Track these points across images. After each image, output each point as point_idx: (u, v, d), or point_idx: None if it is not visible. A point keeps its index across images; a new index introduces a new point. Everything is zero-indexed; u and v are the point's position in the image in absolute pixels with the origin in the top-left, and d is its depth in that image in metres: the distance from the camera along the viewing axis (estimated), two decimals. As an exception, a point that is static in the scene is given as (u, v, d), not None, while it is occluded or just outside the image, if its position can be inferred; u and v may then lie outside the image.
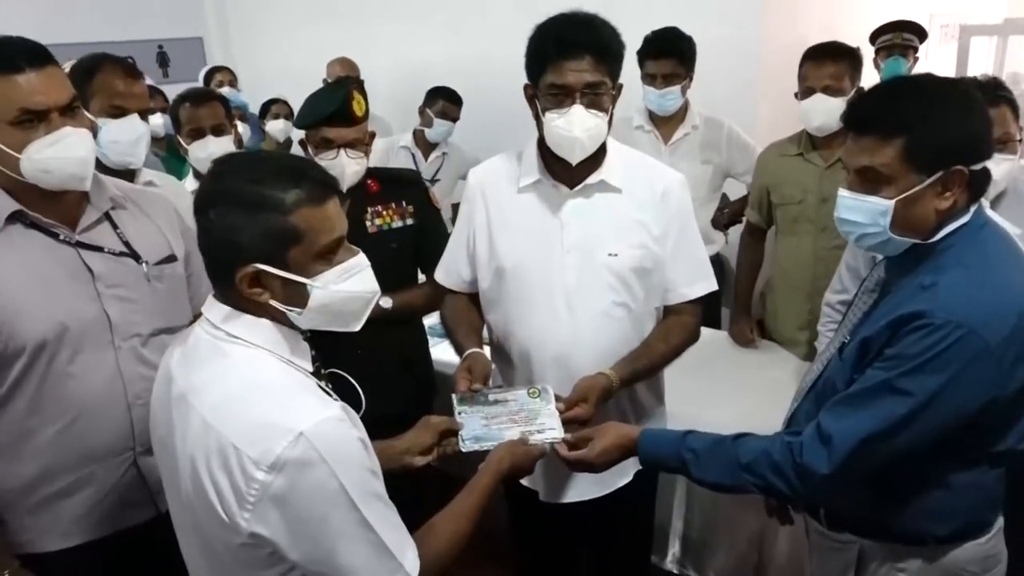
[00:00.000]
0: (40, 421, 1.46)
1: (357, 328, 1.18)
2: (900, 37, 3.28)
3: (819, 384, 1.41)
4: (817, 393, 1.40)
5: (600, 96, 1.56)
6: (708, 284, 1.75)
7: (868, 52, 3.29)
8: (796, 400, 1.47)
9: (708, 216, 2.96)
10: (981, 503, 1.34)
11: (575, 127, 1.55)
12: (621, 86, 1.63)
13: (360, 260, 1.14)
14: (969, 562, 1.35)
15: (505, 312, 1.72)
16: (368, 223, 2.03)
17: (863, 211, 1.25)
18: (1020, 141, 1.81)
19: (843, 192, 1.29)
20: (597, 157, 1.64)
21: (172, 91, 3.12)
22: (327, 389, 1.14)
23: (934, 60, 4.46)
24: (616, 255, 1.64)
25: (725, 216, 3.01)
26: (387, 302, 2.02)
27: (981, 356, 1.15)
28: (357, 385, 1.21)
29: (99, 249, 1.51)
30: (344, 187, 1.95)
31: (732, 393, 2.26)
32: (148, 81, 4.01)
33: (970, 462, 1.29)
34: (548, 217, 1.67)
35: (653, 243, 1.67)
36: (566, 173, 1.65)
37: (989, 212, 1.30)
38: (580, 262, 1.65)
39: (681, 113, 2.89)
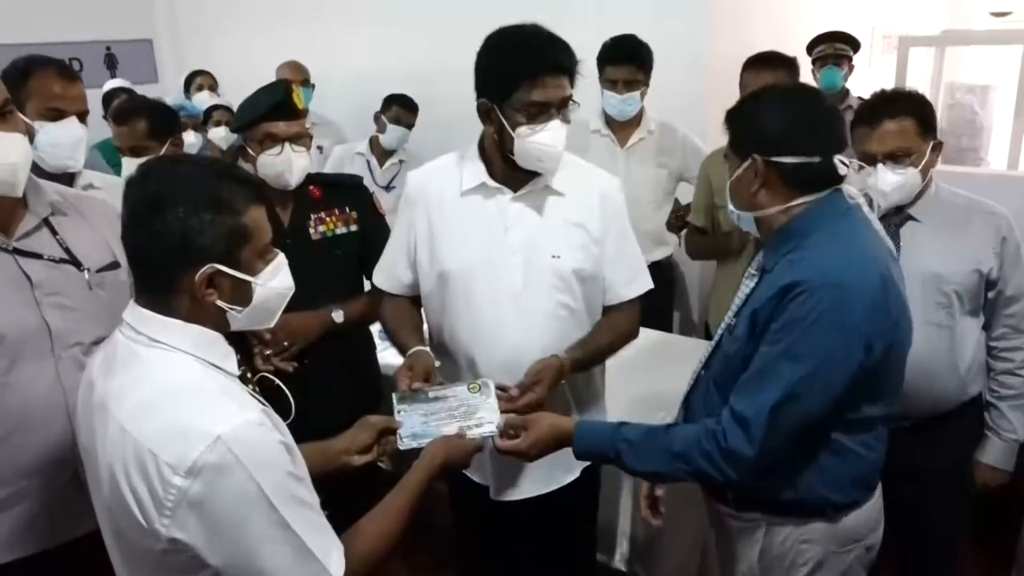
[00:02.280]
0: (-24, 433, 1.43)
1: (271, 325, 1.21)
2: (833, 48, 3.40)
3: (712, 365, 1.49)
4: (714, 375, 1.48)
5: (568, 109, 1.62)
6: (644, 283, 1.82)
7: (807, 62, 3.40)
8: (689, 384, 1.56)
9: (663, 219, 3.02)
10: (866, 468, 1.44)
11: (558, 141, 1.61)
12: None
13: (283, 257, 1.18)
14: (861, 525, 1.46)
15: (450, 316, 1.73)
16: (312, 230, 2.02)
17: (725, 191, 1.48)
18: (937, 148, 1.81)
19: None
20: None
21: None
22: (253, 393, 1.14)
23: (876, 70, 4.61)
24: (559, 257, 1.68)
25: (679, 220, 3.08)
26: (339, 316, 2.01)
27: (857, 310, 1.28)
28: (287, 390, 1.22)
29: (38, 256, 1.49)
30: (293, 182, 1.95)
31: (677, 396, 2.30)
32: (118, 83, 3.90)
33: (855, 429, 1.38)
34: (492, 220, 1.69)
35: (593, 245, 1.71)
36: (510, 178, 1.68)
37: (866, 210, 1.43)
38: (525, 264, 1.67)
39: (637, 118, 2.96)
